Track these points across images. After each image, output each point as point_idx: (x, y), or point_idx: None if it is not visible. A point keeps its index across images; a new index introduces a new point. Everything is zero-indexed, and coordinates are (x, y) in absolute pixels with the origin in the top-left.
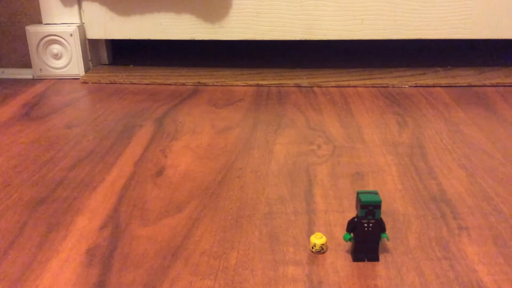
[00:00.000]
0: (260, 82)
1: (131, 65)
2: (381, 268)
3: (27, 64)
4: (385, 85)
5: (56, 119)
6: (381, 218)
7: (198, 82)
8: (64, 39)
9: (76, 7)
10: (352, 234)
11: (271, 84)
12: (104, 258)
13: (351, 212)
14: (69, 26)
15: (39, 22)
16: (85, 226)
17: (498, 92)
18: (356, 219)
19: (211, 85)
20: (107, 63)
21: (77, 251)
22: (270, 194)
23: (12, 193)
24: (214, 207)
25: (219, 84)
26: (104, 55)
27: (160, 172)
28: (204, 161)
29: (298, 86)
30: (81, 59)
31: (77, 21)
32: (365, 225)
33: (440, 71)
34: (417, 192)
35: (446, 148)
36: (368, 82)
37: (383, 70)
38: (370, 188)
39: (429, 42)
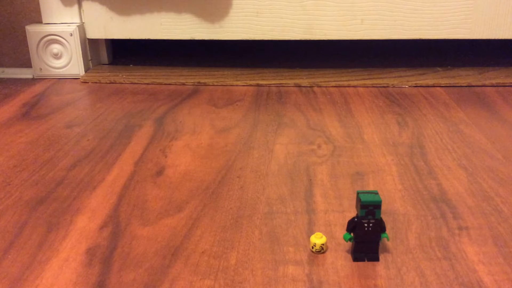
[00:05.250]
0: (260, 82)
1: (131, 65)
2: (381, 268)
3: (27, 64)
4: (385, 85)
5: (56, 118)
6: (381, 218)
7: (198, 82)
8: (64, 39)
9: (76, 7)
10: (352, 234)
11: (271, 84)
12: (104, 258)
13: (351, 212)
14: (69, 25)
15: (39, 21)
16: (85, 226)
17: (498, 92)
18: (356, 219)
19: (211, 85)
20: (107, 63)
21: (77, 251)
22: (270, 194)
23: (12, 192)
24: (214, 207)
25: (219, 84)
26: (104, 55)
27: (160, 172)
28: (204, 161)
29: (298, 86)
30: (81, 58)
31: (77, 20)
32: (365, 225)
33: (440, 71)
34: (417, 192)
35: (446, 148)
36: (368, 82)
37: (383, 70)
38: (370, 188)
39: (429, 42)
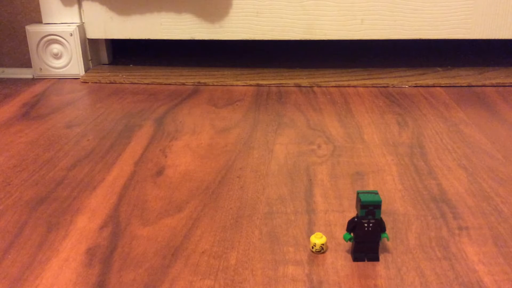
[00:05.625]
0: (260, 82)
1: (131, 65)
2: (381, 268)
3: (27, 64)
4: (385, 85)
5: (56, 118)
6: (381, 218)
7: (198, 82)
8: (64, 39)
9: (76, 7)
10: (352, 234)
11: (271, 84)
12: (104, 258)
13: (351, 212)
14: (69, 25)
15: (39, 21)
16: (85, 226)
17: (498, 92)
18: (356, 219)
19: (211, 85)
20: (107, 63)
21: (77, 251)
22: (270, 194)
23: (12, 192)
24: (214, 207)
25: (219, 84)
26: (104, 55)
27: (160, 172)
28: (204, 161)
29: (298, 86)
30: (81, 58)
31: (77, 20)
32: (365, 225)
33: (440, 71)
34: (417, 192)
35: (446, 148)
36: (368, 82)
37: (383, 70)
38: (370, 188)
39: (429, 42)
